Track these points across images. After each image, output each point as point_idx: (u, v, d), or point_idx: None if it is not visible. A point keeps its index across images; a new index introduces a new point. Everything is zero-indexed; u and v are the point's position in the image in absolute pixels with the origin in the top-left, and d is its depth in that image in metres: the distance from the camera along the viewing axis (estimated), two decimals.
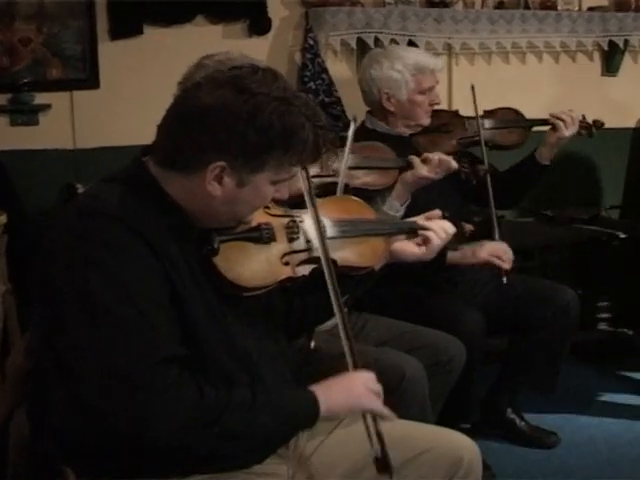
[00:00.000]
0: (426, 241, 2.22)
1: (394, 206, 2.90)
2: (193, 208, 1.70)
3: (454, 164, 2.94)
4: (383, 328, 2.82)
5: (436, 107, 3.37)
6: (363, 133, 3.14)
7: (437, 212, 2.29)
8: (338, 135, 2.49)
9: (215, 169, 1.64)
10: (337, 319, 1.83)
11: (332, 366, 1.85)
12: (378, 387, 1.82)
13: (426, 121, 3.33)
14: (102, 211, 1.60)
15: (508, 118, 3.54)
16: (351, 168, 2.82)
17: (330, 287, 1.84)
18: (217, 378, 1.67)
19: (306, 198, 1.91)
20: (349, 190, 2.72)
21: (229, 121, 1.60)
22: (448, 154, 3.01)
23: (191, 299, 1.66)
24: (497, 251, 3.05)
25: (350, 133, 2.80)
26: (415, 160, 2.92)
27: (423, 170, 2.89)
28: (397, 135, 3.30)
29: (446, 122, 3.42)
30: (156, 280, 1.60)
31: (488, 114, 3.49)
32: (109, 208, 1.61)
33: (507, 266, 3.02)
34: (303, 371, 2.09)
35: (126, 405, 1.51)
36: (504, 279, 3.01)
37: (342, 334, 1.82)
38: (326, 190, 2.60)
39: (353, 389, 1.77)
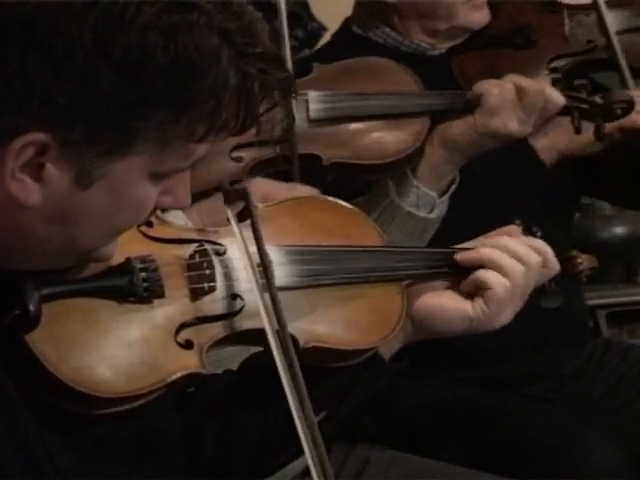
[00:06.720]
0: (482, 289, 1.28)
1: (424, 198, 1.63)
2: None
3: (559, 98, 1.62)
4: (403, 475, 1.63)
5: None
6: (341, 45, 1.91)
7: (512, 228, 1.33)
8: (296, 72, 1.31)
9: (25, 149, 1.04)
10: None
11: None
12: None
13: (473, 20, 1.83)
14: None
15: None
16: (317, 122, 1.57)
17: (289, 395, 1.08)
18: None
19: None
20: (324, 169, 1.59)
21: (57, 47, 1.01)
22: None
23: None
24: None
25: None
26: (486, 88, 1.62)
27: (501, 114, 1.57)
28: (415, 53, 1.89)
29: (526, 22, 1.95)
30: None
31: (617, 2, 1.96)
32: None
33: None
34: None
35: None
36: None
37: None
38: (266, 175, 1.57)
39: None
